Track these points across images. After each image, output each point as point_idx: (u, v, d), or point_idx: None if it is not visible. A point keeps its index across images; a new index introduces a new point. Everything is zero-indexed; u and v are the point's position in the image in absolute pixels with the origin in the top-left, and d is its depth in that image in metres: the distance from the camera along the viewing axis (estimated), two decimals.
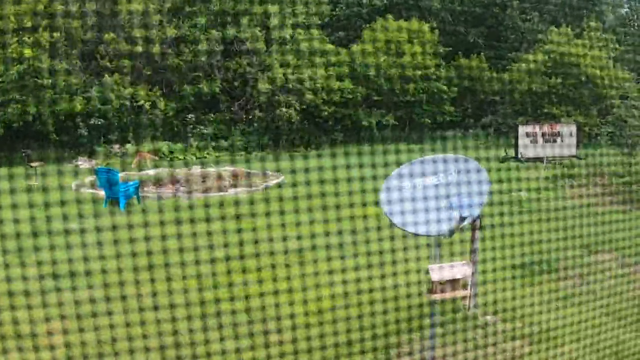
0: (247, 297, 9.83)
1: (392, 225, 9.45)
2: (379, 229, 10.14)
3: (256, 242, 10.05)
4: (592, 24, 38.58)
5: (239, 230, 9.64)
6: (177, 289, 9.29)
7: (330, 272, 9.96)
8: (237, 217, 11.00)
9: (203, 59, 34.92)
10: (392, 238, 9.93)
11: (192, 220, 8.86)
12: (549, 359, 9.40)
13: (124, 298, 8.71)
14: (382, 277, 10.05)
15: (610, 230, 12.07)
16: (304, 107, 35.65)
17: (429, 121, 39.57)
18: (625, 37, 41.41)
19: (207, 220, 9.34)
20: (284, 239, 10.12)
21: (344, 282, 9.89)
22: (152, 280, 8.47)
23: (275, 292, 9.19)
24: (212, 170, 27.33)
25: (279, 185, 21.90)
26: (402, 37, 37.75)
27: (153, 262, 8.77)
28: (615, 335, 9.80)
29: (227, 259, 9.56)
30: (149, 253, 8.75)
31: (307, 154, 31.74)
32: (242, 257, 9.41)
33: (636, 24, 41.81)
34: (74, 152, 31.40)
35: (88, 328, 8.36)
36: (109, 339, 8.37)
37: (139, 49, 32.93)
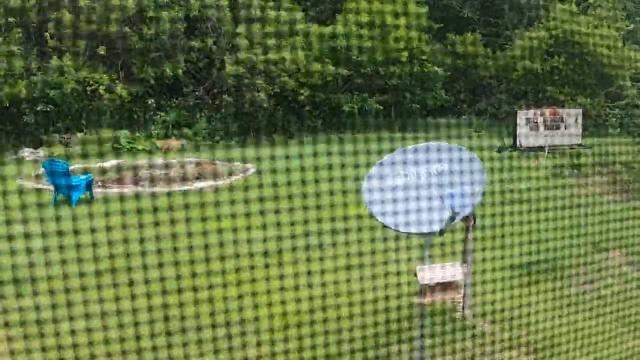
0: (211, 301, 9.74)
1: (377, 223, 9.39)
2: (360, 227, 10.09)
3: (221, 245, 9.96)
4: None
5: (205, 229, 9.55)
6: (137, 294, 9.20)
7: (309, 273, 9.90)
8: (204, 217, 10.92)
9: (165, 37, 34.70)
10: (375, 238, 9.88)
11: (156, 219, 8.77)
12: None
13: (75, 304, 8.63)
14: (365, 280, 9.98)
15: (621, 228, 12.06)
16: (278, 90, 35.43)
17: (418, 106, 39.32)
18: (637, 12, 41.51)
19: (172, 219, 9.26)
20: (253, 238, 10.04)
21: (323, 284, 9.82)
22: (115, 285, 8.40)
23: (240, 296, 9.12)
24: (175, 161, 27.22)
25: (252, 176, 21.86)
26: (387, 12, 37.54)
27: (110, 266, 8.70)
28: (629, 345, 9.80)
29: (192, 261, 9.48)
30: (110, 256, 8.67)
31: (281, 143, 31.66)
32: (207, 260, 9.32)
33: None
34: (19, 142, 31.14)
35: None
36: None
37: (93, 27, 32.68)
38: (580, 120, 29.34)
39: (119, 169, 25.21)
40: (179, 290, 9.06)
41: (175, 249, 9.09)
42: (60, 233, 8.32)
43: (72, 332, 8.27)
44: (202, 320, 9.40)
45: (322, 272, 9.64)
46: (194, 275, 9.00)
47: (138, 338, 8.37)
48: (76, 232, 8.15)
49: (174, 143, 30.22)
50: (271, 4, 35.90)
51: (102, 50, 33.56)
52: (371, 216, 9.46)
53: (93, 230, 8.26)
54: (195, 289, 9.26)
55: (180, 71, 35.22)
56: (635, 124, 25.22)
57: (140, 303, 8.54)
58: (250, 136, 35.01)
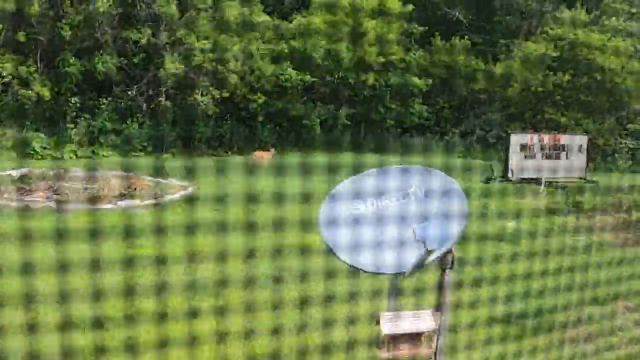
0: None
1: (337, 259, 9.24)
2: (318, 264, 9.93)
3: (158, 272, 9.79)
4: (616, 5, 38.80)
5: (130, 258, 9.36)
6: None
7: (250, 325, 9.73)
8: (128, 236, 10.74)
9: (95, 25, 34.38)
10: (335, 276, 9.73)
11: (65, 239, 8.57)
12: None
13: None
14: (322, 328, 9.83)
15: (629, 276, 12.00)
16: (226, 95, 35.18)
17: (392, 123, 39.15)
18: None
19: (89, 239, 9.07)
20: (192, 270, 9.87)
21: (271, 334, 9.66)
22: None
23: (177, 345, 8.95)
24: (97, 174, 26.94)
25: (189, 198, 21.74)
26: (362, 10, 37.48)
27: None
28: None
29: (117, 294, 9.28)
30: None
31: (227, 158, 31.52)
32: (131, 293, 9.14)
33: None
34: None
35: None
36: None
37: (8, 6, 32.31)
38: (585, 149, 29.34)
39: (29, 178, 24.89)
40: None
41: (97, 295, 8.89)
42: None
43: None
44: None
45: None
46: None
47: None
48: None
49: (266, 154, 30.07)
50: None
51: (19, 37, 33.12)
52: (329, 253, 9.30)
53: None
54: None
55: (111, 66, 34.77)
56: None
57: None
58: (191, 148, 34.72)
